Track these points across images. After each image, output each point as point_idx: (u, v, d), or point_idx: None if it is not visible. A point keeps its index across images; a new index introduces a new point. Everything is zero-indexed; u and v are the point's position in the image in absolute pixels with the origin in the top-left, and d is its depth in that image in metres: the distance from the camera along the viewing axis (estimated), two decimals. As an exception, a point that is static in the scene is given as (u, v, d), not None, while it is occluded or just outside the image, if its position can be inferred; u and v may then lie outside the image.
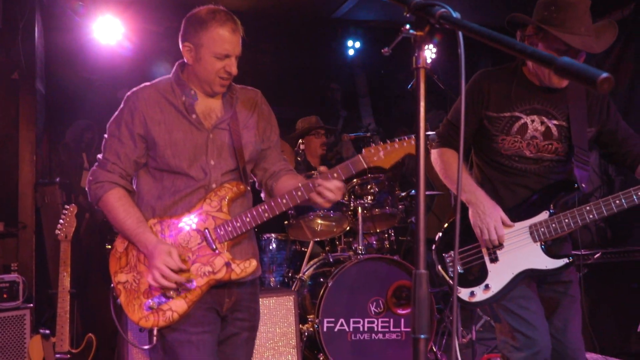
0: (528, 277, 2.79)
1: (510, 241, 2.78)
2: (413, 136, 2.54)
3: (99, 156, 2.56)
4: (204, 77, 2.50)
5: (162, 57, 5.75)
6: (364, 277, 4.44)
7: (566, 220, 2.73)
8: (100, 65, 5.76)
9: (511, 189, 2.88)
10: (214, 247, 2.47)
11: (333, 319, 4.34)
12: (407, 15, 1.51)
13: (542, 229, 2.77)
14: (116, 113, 2.56)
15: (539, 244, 2.78)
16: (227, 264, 2.46)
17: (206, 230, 2.48)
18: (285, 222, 4.94)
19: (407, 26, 1.51)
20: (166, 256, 2.38)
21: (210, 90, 2.54)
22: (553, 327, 2.83)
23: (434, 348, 4.73)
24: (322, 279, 4.64)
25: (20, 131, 5.12)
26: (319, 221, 4.97)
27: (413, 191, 5.22)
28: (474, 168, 3.05)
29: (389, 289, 4.44)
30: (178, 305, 2.43)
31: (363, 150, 2.53)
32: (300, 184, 2.47)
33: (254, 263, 2.50)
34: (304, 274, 4.87)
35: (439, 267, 2.89)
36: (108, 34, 5.54)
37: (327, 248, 5.29)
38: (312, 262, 4.96)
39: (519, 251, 2.78)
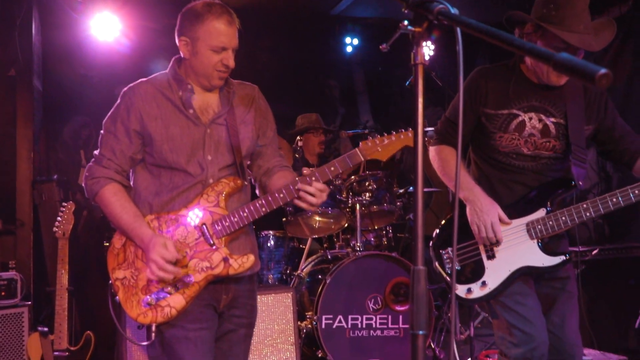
0: (525, 274, 2.80)
1: (508, 238, 2.79)
2: (410, 128, 2.55)
3: (96, 152, 2.56)
4: (201, 70, 2.50)
5: (160, 54, 5.73)
6: (362, 274, 4.44)
7: (563, 218, 2.74)
8: (97, 62, 5.74)
9: (508, 186, 2.88)
10: (212, 242, 2.47)
11: (331, 316, 4.35)
12: (405, 11, 1.51)
13: (539, 227, 2.77)
14: (112, 109, 2.56)
15: (535, 241, 2.79)
16: (225, 259, 2.47)
17: (204, 226, 2.48)
18: (284, 219, 4.94)
19: (405, 22, 1.51)
20: (161, 248, 2.38)
21: (208, 84, 2.54)
22: (550, 323, 2.84)
23: (432, 344, 4.74)
24: (320, 276, 4.64)
25: (18, 128, 5.11)
26: (317, 218, 4.98)
27: (411, 188, 5.22)
28: (471, 165, 3.05)
29: (387, 286, 4.44)
30: (176, 301, 2.43)
31: (360, 143, 2.54)
32: (287, 186, 2.47)
33: (251, 258, 2.50)
34: (302, 271, 4.87)
35: (436, 263, 2.89)
36: (106, 30, 5.52)
37: (325, 245, 5.29)
38: (310, 259, 4.96)
39: (516, 248, 2.79)
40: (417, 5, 1.48)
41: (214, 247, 2.47)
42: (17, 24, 5.06)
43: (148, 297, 2.44)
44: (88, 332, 4.24)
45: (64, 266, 4.17)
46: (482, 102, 2.85)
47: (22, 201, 5.05)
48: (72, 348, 4.16)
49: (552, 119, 2.81)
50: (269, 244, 5.06)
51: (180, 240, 2.47)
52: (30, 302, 4.40)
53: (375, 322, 4.42)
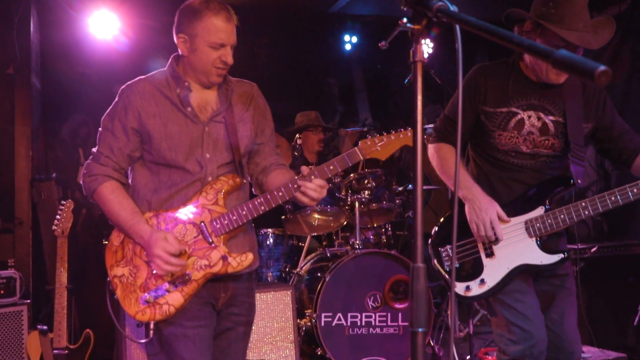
0: (524, 272, 2.80)
1: (506, 236, 2.79)
2: (409, 127, 2.55)
3: (93, 150, 2.56)
4: (200, 67, 2.50)
5: (158, 52, 5.72)
6: (362, 271, 4.44)
7: (562, 216, 2.74)
8: (96, 60, 5.73)
9: (507, 184, 2.88)
10: (210, 240, 2.47)
11: (331, 314, 4.35)
12: (404, 9, 1.51)
13: (538, 225, 2.77)
14: (111, 107, 2.56)
15: (534, 239, 2.79)
16: (224, 258, 2.47)
17: (202, 224, 2.48)
18: (283, 217, 4.94)
19: (405, 20, 1.51)
20: (163, 242, 2.38)
21: (206, 81, 2.54)
22: (549, 320, 2.84)
23: (431, 342, 4.74)
24: (319, 274, 4.64)
25: (16, 126, 5.11)
26: (316, 216, 4.98)
27: (410, 186, 5.22)
28: (470, 163, 3.05)
29: (386, 284, 4.44)
30: (175, 299, 2.43)
31: (359, 142, 2.54)
32: (286, 184, 2.47)
33: (250, 256, 2.50)
34: (301, 268, 4.87)
35: (435, 261, 2.90)
36: (104, 28, 5.52)
37: (324, 243, 5.29)
38: (309, 257, 4.96)
39: (514, 246, 2.79)
40: (416, 2, 1.47)
41: (212, 245, 2.47)
42: (15, 22, 5.06)
43: (146, 294, 2.44)
44: (87, 330, 4.24)
45: (63, 264, 4.17)
46: (481, 100, 2.85)
47: (20, 200, 5.05)
48: (71, 346, 4.16)
49: (551, 117, 2.81)
50: (268, 242, 5.06)
51: (179, 238, 2.46)
52: (29, 301, 4.40)
53: (375, 319, 4.42)
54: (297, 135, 5.43)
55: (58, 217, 4.20)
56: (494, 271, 2.79)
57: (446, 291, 5.07)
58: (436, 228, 2.96)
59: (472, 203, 2.79)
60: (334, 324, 4.35)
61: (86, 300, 5.15)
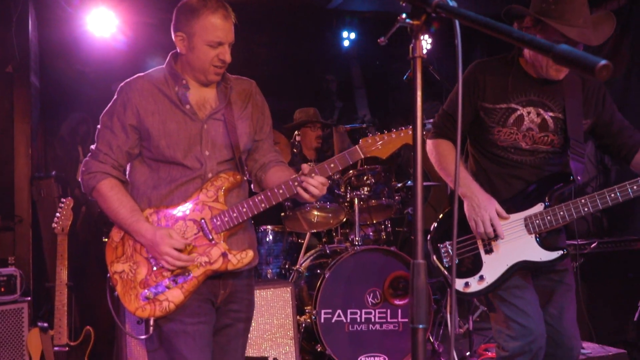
0: (523, 269, 2.80)
1: (506, 233, 2.79)
2: (410, 126, 2.54)
3: (92, 147, 2.56)
4: (197, 66, 2.49)
5: (156, 49, 5.70)
6: (361, 268, 4.44)
7: (561, 213, 2.74)
8: (94, 58, 5.73)
9: (506, 181, 2.88)
10: (211, 237, 2.47)
11: (330, 310, 4.35)
12: (403, 4, 1.50)
13: (537, 221, 2.77)
14: (109, 104, 2.56)
15: (533, 236, 2.79)
16: (224, 255, 2.47)
17: (202, 221, 2.48)
18: (282, 214, 4.94)
19: (404, 15, 1.51)
20: (169, 239, 2.39)
21: (204, 80, 2.54)
22: (548, 315, 2.85)
23: (431, 338, 4.74)
24: (319, 271, 4.64)
25: (15, 125, 5.11)
26: (316, 213, 4.98)
27: (409, 182, 5.22)
28: (469, 159, 3.05)
29: (385, 280, 4.44)
30: (174, 296, 2.43)
31: (360, 140, 2.54)
32: (286, 182, 2.47)
33: (250, 254, 2.50)
34: (301, 265, 4.88)
35: (434, 257, 2.89)
36: (102, 26, 5.51)
37: (323, 239, 5.29)
38: (309, 254, 4.96)
39: (513, 243, 2.79)
40: (415, -3, 1.47)
41: (212, 242, 2.47)
42: (14, 21, 5.05)
43: (146, 291, 2.44)
44: (88, 327, 4.24)
45: (63, 262, 4.17)
46: (480, 96, 2.84)
47: (20, 197, 5.06)
48: (72, 343, 4.17)
49: (551, 114, 2.81)
50: (267, 239, 5.06)
51: (179, 234, 2.47)
52: (29, 298, 4.41)
53: (374, 316, 4.43)
54: (296, 132, 5.43)
55: (58, 214, 4.20)
56: (493, 267, 2.79)
57: (445, 287, 5.08)
58: (435, 224, 2.96)
59: (470, 200, 2.79)
60: (333, 321, 4.35)
61: (86, 298, 5.16)
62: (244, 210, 2.49)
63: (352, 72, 7.62)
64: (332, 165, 2.48)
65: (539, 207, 2.79)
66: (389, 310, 4.44)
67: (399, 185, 5.15)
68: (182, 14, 2.48)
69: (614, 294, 4.69)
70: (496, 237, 2.78)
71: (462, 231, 2.84)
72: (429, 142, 3.01)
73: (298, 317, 4.40)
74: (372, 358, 4.37)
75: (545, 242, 2.79)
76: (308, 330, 4.46)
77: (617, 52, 5.64)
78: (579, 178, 2.78)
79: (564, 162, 2.88)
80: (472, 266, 2.82)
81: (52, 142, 5.84)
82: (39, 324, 4.17)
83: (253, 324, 2.76)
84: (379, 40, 1.67)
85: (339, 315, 4.36)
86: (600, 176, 5.79)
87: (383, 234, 5.24)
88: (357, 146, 2.52)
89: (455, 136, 2.86)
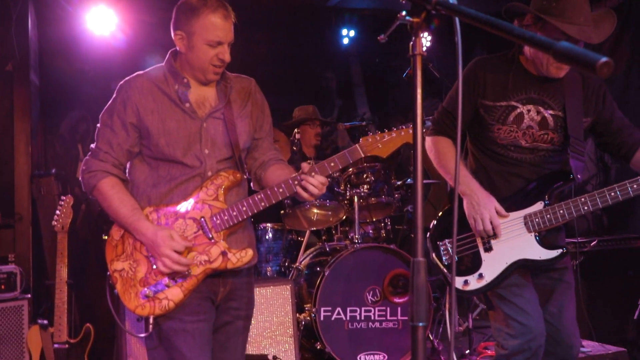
0: (522, 267, 2.80)
1: (505, 231, 2.79)
2: (410, 125, 2.54)
3: (92, 145, 2.56)
4: (197, 65, 2.49)
5: (156, 48, 5.70)
6: (361, 266, 4.44)
7: (561, 211, 2.74)
8: (94, 57, 5.72)
9: (506, 179, 2.88)
10: (210, 236, 2.47)
11: (330, 308, 4.35)
12: (403, 2, 1.50)
13: (537, 220, 2.77)
14: (109, 102, 2.56)
15: (533, 234, 2.79)
16: (224, 253, 2.47)
17: (202, 219, 2.48)
18: (282, 211, 4.93)
19: (403, 13, 1.50)
20: (170, 241, 2.39)
21: (203, 79, 2.53)
22: (548, 313, 2.85)
23: (430, 336, 4.75)
24: (318, 268, 4.64)
25: (15, 123, 5.11)
26: (315, 210, 4.97)
27: (409, 180, 5.22)
28: (469, 157, 3.05)
29: (385, 278, 4.45)
30: (174, 294, 2.43)
31: (360, 139, 2.53)
32: (286, 181, 2.47)
33: (249, 252, 2.50)
34: (300, 263, 4.88)
35: (434, 255, 2.89)
36: (101, 24, 5.50)
37: (323, 237, 5.29)
38: (308, 252, 4.96)
39: (513, 241, 2.79)
40: (415, -5, 1.47)
41: (212, 241, 2.47)
42: (13, 19, 5.04)
43: (146, 289, 2.44)
44: (88, 324, 4.25)
45: (63, 260, 4.18)
46: (480, 94, 2.84)
47: (20, 195, 5.06)
48: (71, 340, 4.17)
49: (551, 112, 2.81)
50: (267, 237, 5.06)
51: (179, 233, 2.46)
52: (29, 295, 4.41)
53: (374, 314, 4.43)
54: (296, 130, 5.43)
55: (58, 212, 4.20)
56: (492, 265, 2.79)
57: (445, 285, 5.08)
58: (435, 222, 2.96)
59: (470, 198, 2.78)
60: (333, 319, 4.36)
61: (86, 295, 5.17)
62: (244, 209, 2.49)
63: (352, 69, 7.62)
64: (332, 164, 2.47)
65: (538, 206, 2.79)
66: (388, 308, 4.45)
67: (399, 183, 5.15)
68: (181, 13, 2.48)
69: (614, 292, 4.69)
70: (495, 235, 2.78)
71: (461, 229, 2.84)
72: (428, 140, 3.00)
73: (298, 314, 4.40)
74: (372, 356, 4.37)
75: (544, 240, 2.79)
76: (308, 328, 4.46)
77: (617, 49, 5.64)
78: (578, 176, 2.77)
79: (563, 160, 2.87)
80: (471, 264, 2.82)
81: (52, 140, 5.84)
82: (39, 321, 4.18)
83: (253, 322, 2.76)
84: (378, 38, 1.67)
85: (338, 313, 4.37)
86: (600, 174, 5.78)
87: (383, 231, 5.24)
88: (357, 145, 2.52)
89: (455, 133, 2.86)
